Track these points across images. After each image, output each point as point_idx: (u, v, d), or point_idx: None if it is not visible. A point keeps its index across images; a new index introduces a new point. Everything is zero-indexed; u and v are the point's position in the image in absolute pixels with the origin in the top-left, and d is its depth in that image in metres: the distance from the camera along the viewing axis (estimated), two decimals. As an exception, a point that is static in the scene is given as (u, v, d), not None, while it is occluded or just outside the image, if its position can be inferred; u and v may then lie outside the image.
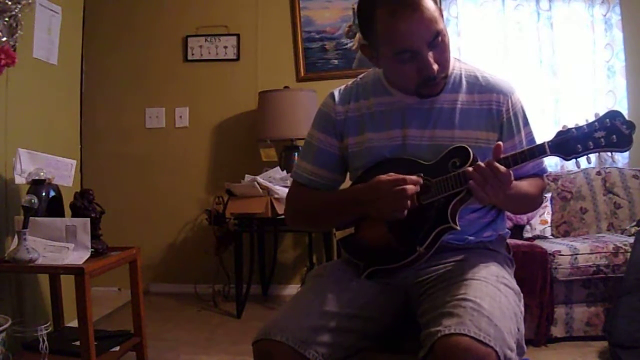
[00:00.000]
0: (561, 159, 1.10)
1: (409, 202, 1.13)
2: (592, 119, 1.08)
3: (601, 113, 1.07)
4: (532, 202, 1.31)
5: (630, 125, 1.05)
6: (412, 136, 1.26)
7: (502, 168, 1.08)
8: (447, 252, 1.25)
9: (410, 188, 1.13)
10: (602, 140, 1.05)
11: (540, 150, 1.10)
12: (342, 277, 1.26)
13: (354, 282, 1.25)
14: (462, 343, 0.96)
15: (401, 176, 1.14)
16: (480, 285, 1.11)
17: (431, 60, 1.15)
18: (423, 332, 1.05)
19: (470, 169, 1.11)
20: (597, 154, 1.10)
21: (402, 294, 1.26)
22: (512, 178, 1.10)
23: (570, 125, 1.09)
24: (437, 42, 1.16)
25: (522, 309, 1.19)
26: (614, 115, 1.06)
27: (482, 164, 1.09)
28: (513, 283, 1.21)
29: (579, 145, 1.07)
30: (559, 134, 1.09)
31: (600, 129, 1.06)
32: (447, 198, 1.16)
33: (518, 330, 1.10)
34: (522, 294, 1.23)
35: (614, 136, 1.05)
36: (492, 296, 1.09)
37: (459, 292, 1.09)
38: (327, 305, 1.15)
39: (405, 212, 1.14)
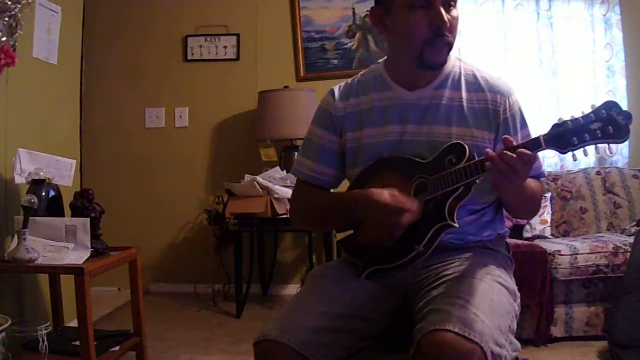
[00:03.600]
0: (558, 152, 1.08)
1: (403, 230, 1.15)
2: (589, 112, 1.05)
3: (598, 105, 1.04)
4: (536, 202, 1.30)
5: (627, 116, 1.01)
6: (410, 132, 1.27)
7: (526, 151, 1.06)
8: (447, 251, 1.25)
9: (407, 219, 1.14)
10: (599, 132, 1.02)
11: (535, 144, 1.07)
12: (342, 278, 1.26)
13: (353, 282, 1.25)
14: (447, 339, 0.96)
15: (401, 205, 1.13)
16: (472, 282, 1.12)
17: (443, 12, 1.17)
18: (414, 329, 1.05)
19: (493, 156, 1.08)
20: (596, 151, 1.06)
21: (402, 294, 1.26)
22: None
23: (567, 117, 1.06)
24: (451, 5, 1.19)
25: (517, 309, 1.19)
26: (610, 106, 1.02)
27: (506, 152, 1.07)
28: (509, 283, 1.21)
29: (575, 138, 1.04)
30: (555, 126, 1.06)
31: (596, 121, 1.02)
32: (444, 195, 1.15)
33: (510, 327, 1.10)
34: (519, 295, 1.23)
35: (611, 127, 1.01)
36: (483, 294, 1.09)
37: (450, 289, 1.10)
38: (327, 306, 1.15)
39: (398, 237, 1.17)
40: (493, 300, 1.09)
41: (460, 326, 0.98)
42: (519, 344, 1.13)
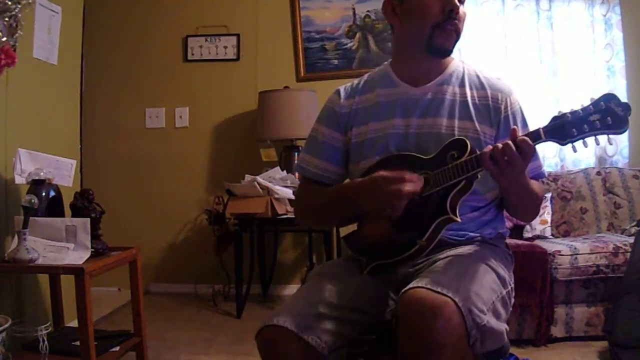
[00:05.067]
0: (557, 144, 1.09)
1: (405, 201, 1.13)
2: (588, 104, 1.06)
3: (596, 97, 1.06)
4: (536, 202, 1.31)
5: (626, 107, 1.03)
6: (414, 125, 1.29)
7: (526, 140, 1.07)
8: (447, 246, 1.25)
9: (408, 188, 1.12)
10: (598, 123, 1.04)
11: (535, 136, 1.09)
12: (343, 274, 1.28)
13: (355, 278, 1.26)
14: (418, 293, 1.00)
15: (401, 174, 1.13)
16: (457, 259, 1.15)
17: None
18: None
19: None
20: (595, 141, 1.07)
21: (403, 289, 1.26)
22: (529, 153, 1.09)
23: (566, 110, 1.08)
24: (460, 0, 1.24)
25: (505, 295, 1.19)
26: (608, 97, 1.04)
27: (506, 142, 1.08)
28: (500, 270, 1.21)
29: (574, 129, 1.05)
30: (554, 119, 1.08)
31: (595, 112, 1.04)
32: (446, 190, 1.16)
33: (493, 303, 1.11)
34: (511, 285, 1.24)
35: (609, 118, 1.03)
36: (465, 267, 1.12)
37: (435, 265, 1.14)
38: (330, 298, 1.17)
39: (401, 210, 1.14)
40: (475, 275, 1.11)
41: (432, 283, 1.01)
42: (506, 327, 1.14)
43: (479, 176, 1.15)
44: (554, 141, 1.08)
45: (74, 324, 2.11)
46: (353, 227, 1.38)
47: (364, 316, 1.18)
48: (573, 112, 1.06)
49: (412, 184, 1.13)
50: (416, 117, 1.29)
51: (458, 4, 1.23)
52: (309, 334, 1.08)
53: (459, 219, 1.16)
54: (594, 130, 1.05)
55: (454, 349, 0.97)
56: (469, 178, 1.15)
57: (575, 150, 1.10)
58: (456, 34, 1.26)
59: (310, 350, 1.08)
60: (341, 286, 1.21)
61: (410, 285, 1.03)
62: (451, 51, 1.30)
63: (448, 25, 1.24)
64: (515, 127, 1.13)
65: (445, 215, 1.16)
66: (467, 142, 1.16)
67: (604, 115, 1.04)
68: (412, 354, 0.99)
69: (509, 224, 2.69)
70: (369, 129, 1.33)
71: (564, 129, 1.06)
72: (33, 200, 1.85)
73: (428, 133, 1.27)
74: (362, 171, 1.31)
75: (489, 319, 1.05)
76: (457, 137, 1.20)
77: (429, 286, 1.00)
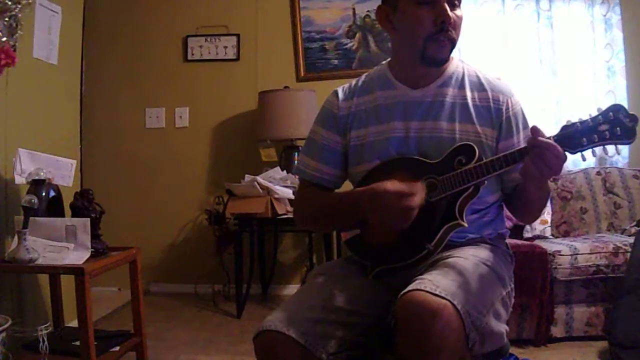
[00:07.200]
0: (568, 153, 1.10)
1: (414, 214, 1.12)
2: (596, 114, 1.09)
3: (603, 108, 1.09)
4: (545, 204, 1.31)
5: (634, 118, 1.06)
6: (414, 128, 1.28)
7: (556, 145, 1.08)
8: (448, 247, 1.25)
9: (416, 202, 1.12)
10: (607, 133, 1.06)
11: None
12: (344, 276, 1.27)
13: (354, 279, 1.25)
14: (417, 296, 0.99)
15: (407, 189, 1.12)
16: (457, 260, 1.15)
17: (448, 9, 1.21)
18: None
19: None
20: (604, 151, 1.11)
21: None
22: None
23: (573, 119, 1.10)
24: (455, 4, 1.23)
25: (505, 295, 1.19)
26: (617, 108, 1.07)
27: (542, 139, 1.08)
28: (499, 270, 1.21)
29: (584, 139, 1.08)
30: (564, 128, 1.10)
31: (604, 122, 1.07)
32: (454, 195, 1.16)
33: (493, 304, 1.11)
34: (511, 286, 1.24)
35: (618, 129, 1.06)
36: (465, 269, 1.11)
37: (435, 266, 1.13)
38: (329, 301, 1.16)
39: (409, 224, 1.14)
40: (475, 276, 1.11)
41: (431, 286, 1.00)
42: (506, 328, 1.14)
43: (486, 182, 1.16)
44: (565, 150, 1.09)
45: (74, 324, 2.12)
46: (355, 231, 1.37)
47: (362, 318, 1.18)
48: (582, 122, 1.08)
49: (418, 196, 1.13)
50: (416, 121, 1.28)
51: (450, 13, 1.21)
52: (307, 339, 1.07)
53: (466, 225, 1.17)
54: (603, 140, 1.07)
55: (452, 352, 0.97)
56: (477, 184, 1.16)
57: (584, 159, 1.13)
58: (451, 43, 1.24)
59: (309, 356, 1.07)
60: (340, 288, 1.20)
61: (409, 288, 1.02)
62: (447, 60, 1.29)
63: (441, 37, 1.22)
64: (536, 125, 1.12)
65: (454, 221, 1.16)
66: (475, 148, 1.17)
67: (613, 126, 1.06)
68: (411, 357, 0.98)
69: (509, 223, 2.69)
70: (369, 132, 1.32)
71: (574, 138, 1.08)
72: (33, 200, 1.85)
73: (429, 137, 1.26)
74: (363, 174, 1.31)
75: (489, 321, 1.05)
76: (464, 143, 1.20)
77: (428, 289, 0.99)
